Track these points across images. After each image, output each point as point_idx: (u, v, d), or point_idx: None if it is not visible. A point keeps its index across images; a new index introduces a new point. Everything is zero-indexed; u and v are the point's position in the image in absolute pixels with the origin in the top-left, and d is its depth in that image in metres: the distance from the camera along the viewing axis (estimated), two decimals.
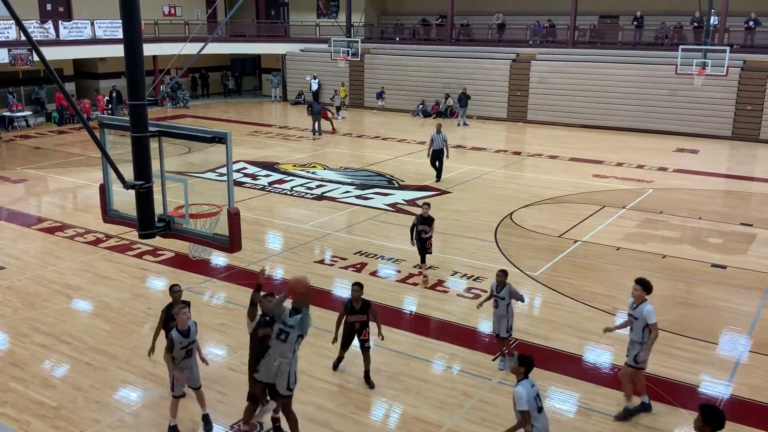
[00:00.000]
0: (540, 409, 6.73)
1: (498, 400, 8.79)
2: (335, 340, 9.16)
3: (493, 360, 9.81)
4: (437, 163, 19.81)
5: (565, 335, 10.56)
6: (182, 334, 7.85)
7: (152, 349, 8.60)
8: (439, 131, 19.39)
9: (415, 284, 12.54)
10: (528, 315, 11.51)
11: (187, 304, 8.32)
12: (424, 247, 12.87)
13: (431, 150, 19.61)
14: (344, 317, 9.06)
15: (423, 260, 13.08)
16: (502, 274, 9.49)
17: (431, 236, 12.81)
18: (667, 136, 27.93)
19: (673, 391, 9.02)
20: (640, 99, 29.10)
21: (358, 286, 9.02)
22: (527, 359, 6.78)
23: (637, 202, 18.16)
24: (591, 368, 9.72)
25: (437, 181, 19.90)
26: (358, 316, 8.99)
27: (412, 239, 12.84)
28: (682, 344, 10.31)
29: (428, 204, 13.03)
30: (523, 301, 9.73)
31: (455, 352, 10.05)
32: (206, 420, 8.18)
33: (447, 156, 19.81)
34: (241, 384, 9.03)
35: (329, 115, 29.24)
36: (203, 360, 8.37)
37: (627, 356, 8.35)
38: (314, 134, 28.17)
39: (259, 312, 8.06)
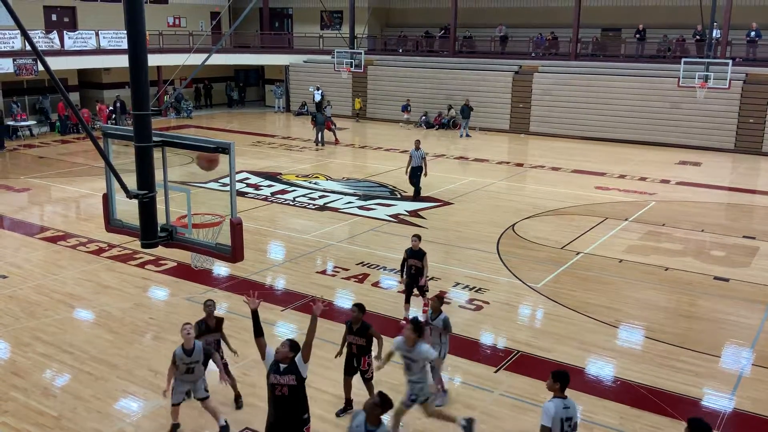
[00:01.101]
0: None
1: (500, 413, 8.76)
2: (339, 354, 8.86)
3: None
4: (415, 180, 19.12)
5: (567, 347, 10.53)
6: (186, 352, 7.90)
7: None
8: (417, 148, 18.78)
9: (416, 295, 12.50)
10: (530, 327, 11.49)
11: (220, 321, 8.76)
12: (413, 283, 11.16)
13: (409, 167, 18.97)
14: (345, 335, 8.78)
15: (408, 299, 11.38)
16: (437, 300, 9.00)
17: (426, 274, 11.10)
18: (670, 149, 27.95)
19: (675, 404, 8.98)
20: (643, 111, 29.14)
21: (356, 308, 8.51)
22: (561, 374, 6.52)
23: (639, 214, 18.15)
24: (593, 381, 9.68)
25: (415, 199, 19.15)
26: (356, 338, 8.54)
27: (402, 275, 11.39)
28: (684, 357, 10.27)
29: (418, 236, 11.24)
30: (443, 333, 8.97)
31: (457, 364, 10.01)
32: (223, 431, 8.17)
33: (425, 173, 18.95)
34: (243, 395, 9.02)
35: (332, 126, 29.32)
36: (223, 379, 8.39)
37: None
38: (317, 145, 28.26)
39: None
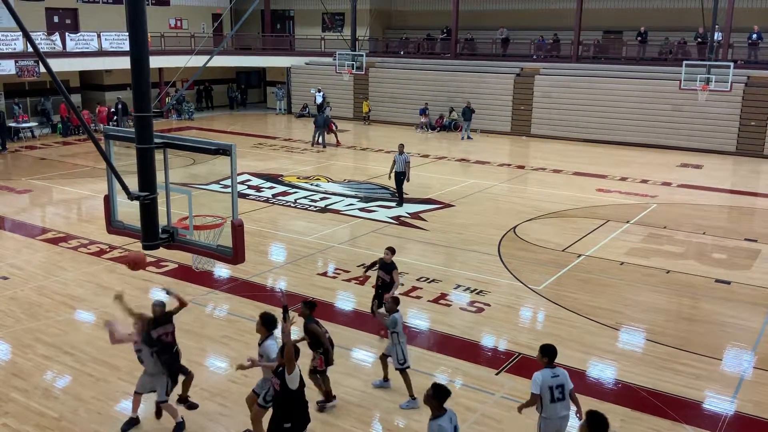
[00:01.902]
0: (555, 400, 7.01)
1: (501, 415, 8.75)
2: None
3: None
4: (398, 185, 18.80)
5: (569, 350, 10.51)
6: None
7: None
8: (401, 152, 18.48)
9: (418, 297, 12.52)
10: (531, 329, 11.48)
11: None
12: (379, 297, 10.72)
13: (392, 172, 18.68)
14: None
15: (373, 312, 11.01)
16: (393, 301, 9.08)
17: (394, 291, 10.48)
18: (671, 151, 27.93)
19: (677, 407, 8.97)
20: (644, 114, 29.13)
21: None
22: (548, 348, 7.24)
23: (640, 216, 18.14)
24: (594, 383, 9.67)
25: (399, 205, 18.77)
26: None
27: (365, 272, 11.70)
28: (686, 360, 10.26)
29: (392, 249, 10.79)
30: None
31: (458, 366, 10.01)
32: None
33: (407, 179, 18.64)
34: (243, 396, 9.01)
35: (333, 127, 29.33)
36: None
37: None
38: (313, 145, 28.44)
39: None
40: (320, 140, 28.44)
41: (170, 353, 8.27)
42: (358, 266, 13.95)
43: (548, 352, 7.22)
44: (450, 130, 32.81)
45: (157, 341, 8.14)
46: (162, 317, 8.35)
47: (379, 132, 33.07)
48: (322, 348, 8.61)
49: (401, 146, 18.90)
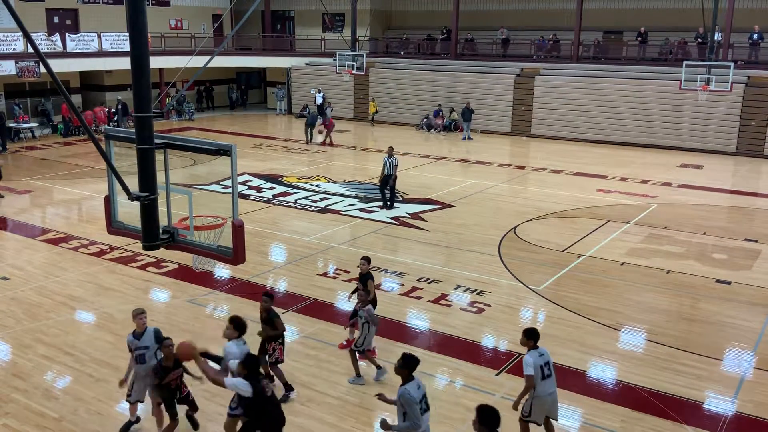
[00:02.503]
0: (545, 377, 7.52)
1: (501, 416, 8.71)
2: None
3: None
4: (387, 188, 18.39)
5: (569, 350, 10.51)
6: (135, 336, 8.10)
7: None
8: (390, 155, 18.14)
9: (418, 298, 12.51)
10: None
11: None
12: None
13: (382, 175, 18.29)
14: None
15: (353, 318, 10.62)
16: (365, 293, 9.43)
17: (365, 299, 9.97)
18: (671, 152, 27.93)
19: (677, 407, 8.97)
20: (644, 114, 29.13)
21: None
22: (532, 331, 7.67)
23: (641, 217, 18.14)
24: (594, 384, 9.67)
25: (388, 209, 18.33)
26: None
27: (351, 295, 11.11)
28: (686, 360, 10.26)
29: (367, 258, 10.52)
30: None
31: (458, 367, 10.01)
32: None
33: (394, 181, 18.33)
34: None
35: (329, 127, 29.50)
36: (197, 377, 8.04)
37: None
38: (308, 143, 29.18)
39: None
40: (309, 138, 29.23)
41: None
42: (358, 267, 13.92)
43: (534, 335, 7.67)
44: (450, 130, 32.81)
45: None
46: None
47: (380, 132, 33.06)
48: (282, 338, 9.00)
49: (390, 149, 18.62)
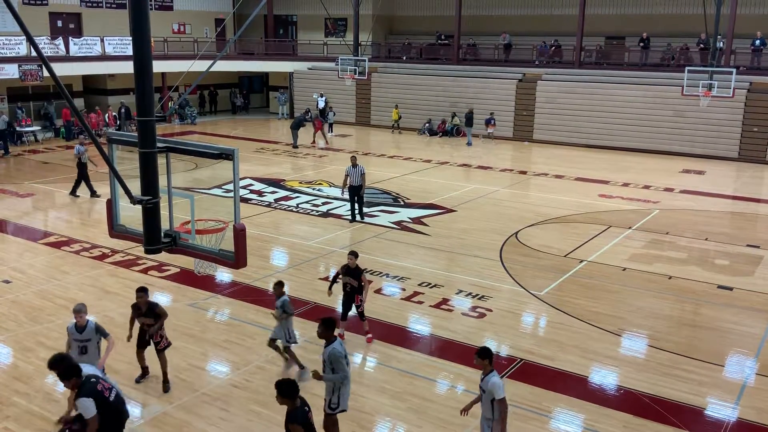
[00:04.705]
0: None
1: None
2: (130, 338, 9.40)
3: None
4: (356, 199, 17.66)
5: (571, 356, 10.50)
6: (77, 328, 8.36)
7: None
8: (354, 165, 17.40)
9: (420, 302, 12.51)
10: (533, 335, 11.46)
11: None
12: (350, 301, 10.81)
13: (347, 186, 17.54)
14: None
15: (344, 317, 10.95)
16: (278, 285, 9.70)
17: (364, 296, 10.80)
18: (673, 157, 27.92)
19: (679, 413, 8.95)
20: (646, 120, 29.13)
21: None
22: (487, 351, 7.15)
23: (643, 222, 18.12)
24: (596, 389, 9.65)
25: (357, 220, 17.70)
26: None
27: (330, 289, 11.00)
28: (688, 366, 10.24)
29: (355, 253, 10.77)
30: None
31: (460, 372, 9.99)
32: None
33: (363, 192, 17.72)
34: (245, 401, 9.02)
35: (321, 127, 30.21)
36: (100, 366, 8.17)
37: None
38: (312, 143, 29.93)
39: None
40: (295, 140, 29.61)
41: None
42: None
43: (489, 354, 7.17)
44: (452, 135, 32.83)
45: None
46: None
47: (381, 137, 33.09)
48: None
49: (353, 158, 17.85)
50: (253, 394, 9.20)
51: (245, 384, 9.44)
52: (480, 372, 7.24)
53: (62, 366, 6.74)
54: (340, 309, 11.16)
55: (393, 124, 34.57)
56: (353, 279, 10.66)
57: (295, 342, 9.87)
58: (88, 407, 6.40)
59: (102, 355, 8.46)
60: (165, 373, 9.34)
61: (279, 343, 9.85)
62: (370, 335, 10.94)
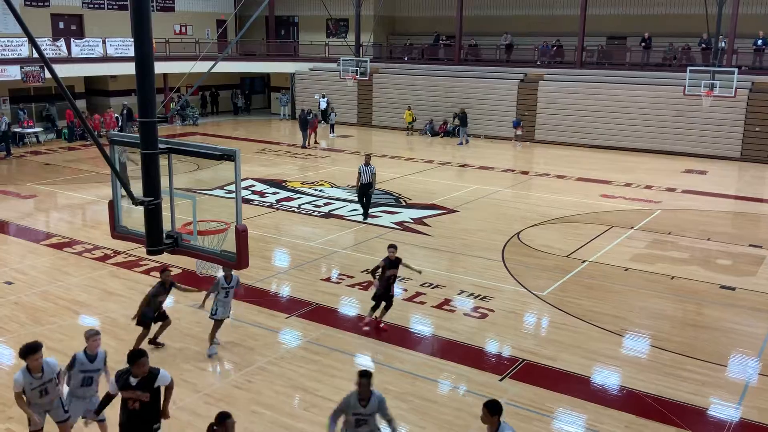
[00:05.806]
0: None
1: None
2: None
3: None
4: (365, 198, 17.83)
5: (573, 356, 10.49)
6: (88, 357, 7.63)
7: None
8: (367, 163, 17.56)
9: (422, 303, 12.50)
10: (535, 335, 11.45)
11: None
12: (387, 292, 11.21)
13: (359, 184, 17.71)
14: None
15: (376, 307, 11.31)
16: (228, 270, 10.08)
17: (394, 278, 11.29)
18: (676, 157, 27.89)
19: (681, 413, 8.93)
20: (649, 120, 29.09)
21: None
22: (496, 404, 6.17)
23: (645, 222, 18.10)
24: (598, 389, 9.64)
25: (364, 219, 17.81)
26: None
27: (374, 277, 11.28)
28: (691, 366, 10.22)
29: (394, 246, 11.25)
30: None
31: (462, 372, 9.99)
32: None
33: (372, 191, 17.86)
34: (247, 402, 9.01)
35: (315, 126, 30.58)
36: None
37: None
38: (314, 143, 30.16)
39: None
40: (304, 139, 30.03)
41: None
42: (362, 272, 13.95)
43: (499, 409, 6.15)
44: (454, 135, 32.83)
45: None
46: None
47: (383, 137, 33.08)
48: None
49: (368, 156, 18.26)
50: (255, 395, 9.20)
51: (247, 385, 9.44)
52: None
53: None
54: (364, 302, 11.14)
55: (408, 126, 33.89)
56: (396, 270, 11.19)
57: (217, 318, 10.34)
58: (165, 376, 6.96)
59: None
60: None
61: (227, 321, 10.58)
62: (383, 324, 11.33)
